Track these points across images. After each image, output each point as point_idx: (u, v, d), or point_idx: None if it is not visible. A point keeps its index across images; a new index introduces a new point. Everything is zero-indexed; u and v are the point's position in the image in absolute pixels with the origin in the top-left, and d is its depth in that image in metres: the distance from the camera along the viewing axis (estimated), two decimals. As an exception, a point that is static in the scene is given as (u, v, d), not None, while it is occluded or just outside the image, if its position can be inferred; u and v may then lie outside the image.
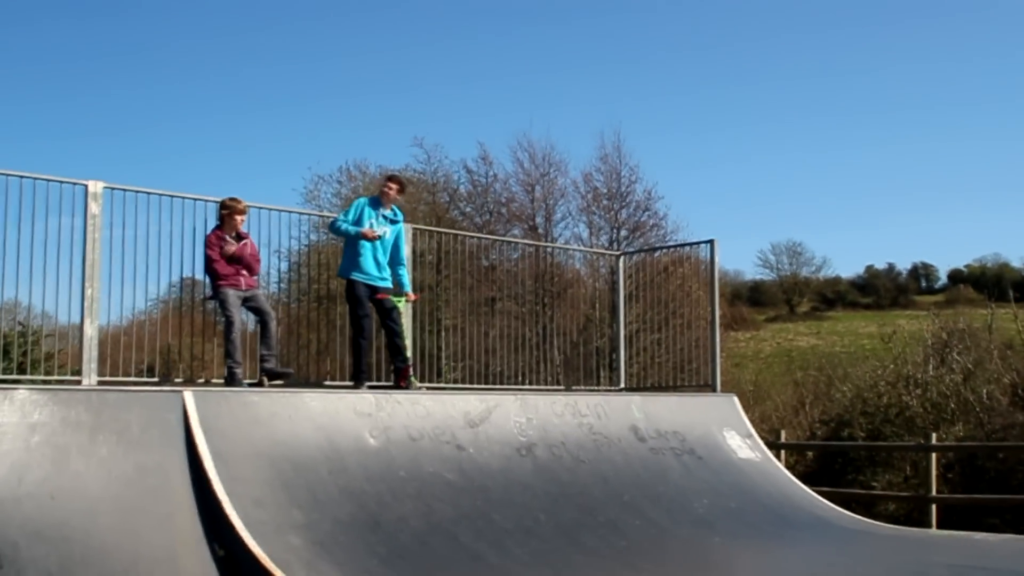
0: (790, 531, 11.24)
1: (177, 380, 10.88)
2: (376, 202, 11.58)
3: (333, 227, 11.61)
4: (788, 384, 35.57)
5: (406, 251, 12.32)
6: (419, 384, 11.83)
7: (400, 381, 11.47)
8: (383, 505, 8.89)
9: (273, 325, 10.81)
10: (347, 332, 12.30)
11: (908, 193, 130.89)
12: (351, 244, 11.40)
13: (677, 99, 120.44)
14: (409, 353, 11.84)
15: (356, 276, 11.32)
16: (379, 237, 11.38)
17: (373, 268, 11.38)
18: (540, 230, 33.07)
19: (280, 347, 11.54)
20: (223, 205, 10.72)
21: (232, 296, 10.50)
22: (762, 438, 13.84)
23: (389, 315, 11.48)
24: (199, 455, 8.29)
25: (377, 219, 11.43)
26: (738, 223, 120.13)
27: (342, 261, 11.56)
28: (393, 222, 11.64)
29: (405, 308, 12.15)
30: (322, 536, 8.17)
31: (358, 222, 11.35)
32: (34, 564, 6.95)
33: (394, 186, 11.77)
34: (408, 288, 11.86)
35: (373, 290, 11.36)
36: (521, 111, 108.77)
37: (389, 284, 11.54)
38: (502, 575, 8.43)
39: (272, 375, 10.71)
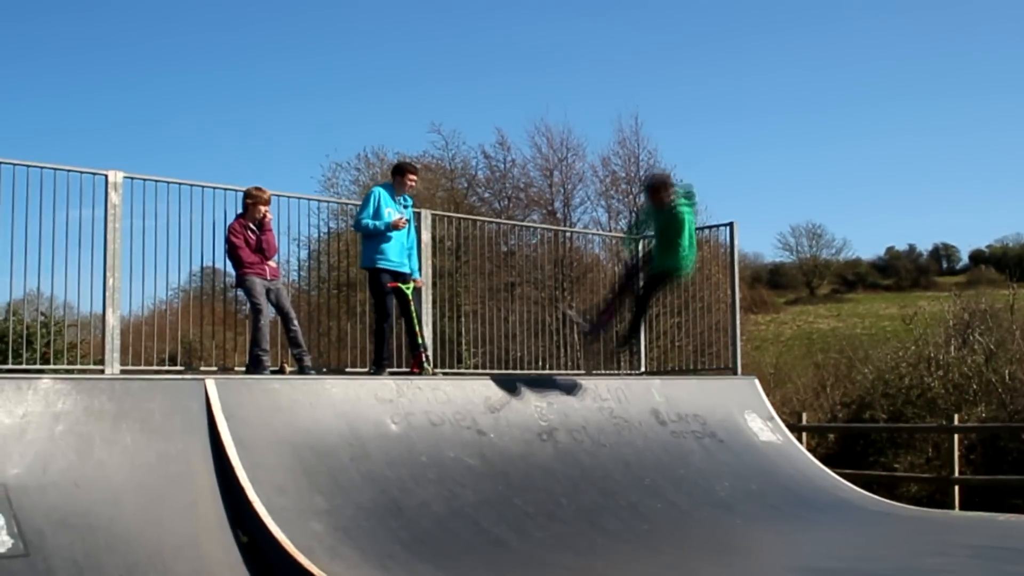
0: (812, 513, 11.23)
1: (200, 369, 10.93)
2: (392, 190, 11.55)
3: (359, 226, 11.40)
4: (809, 366, 35.43)
5: (425, 236, 12.33)
6: (434, 371, 11.83)
7: (413, 367, 11.48)
8: (405, 491, 8.92)
9: (294, 325, 10.81)
10: (367, 319, 12.33)
11: (929, 174, 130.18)
12: (375, 234, 11.35)
13: (695, 84, 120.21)
14: (426, 340, 11.84)
15: (382, 264, 11.28)
16: (408, 222, 11.37)
17: (397, 255, 11.36)
18: (559, 215, 33.04)
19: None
20: (247, 194, 10.75)
21: (258, 284, 10.53)
22: (783, 420, 13.82)
23: (404, 302, 11.49)
24: (222, 442, 8.33)
25: (395, 208, 11.41)
26: (758, 206, 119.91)
27: (364, 251, 11.50)
28: (405, 208, 11.59)
29: (424, 295, 12.15)
30: (344, 522, 8.21)
31: (378, 213, 11.29)
32: (59, 552, 7.01)
33: (415, 178, 11.74)
34: (417, 274, 11.79)
35: (396, 276, 11.36)
36: (538, 96, 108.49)
37: (408, 270, 11.53)
38: (524, 559, 8.46)
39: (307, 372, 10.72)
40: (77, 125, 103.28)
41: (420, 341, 11.56)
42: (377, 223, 11.22)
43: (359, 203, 12.09)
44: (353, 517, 8.32)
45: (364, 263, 11.51)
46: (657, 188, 11.56)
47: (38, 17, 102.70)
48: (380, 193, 11.41)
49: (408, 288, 11.47)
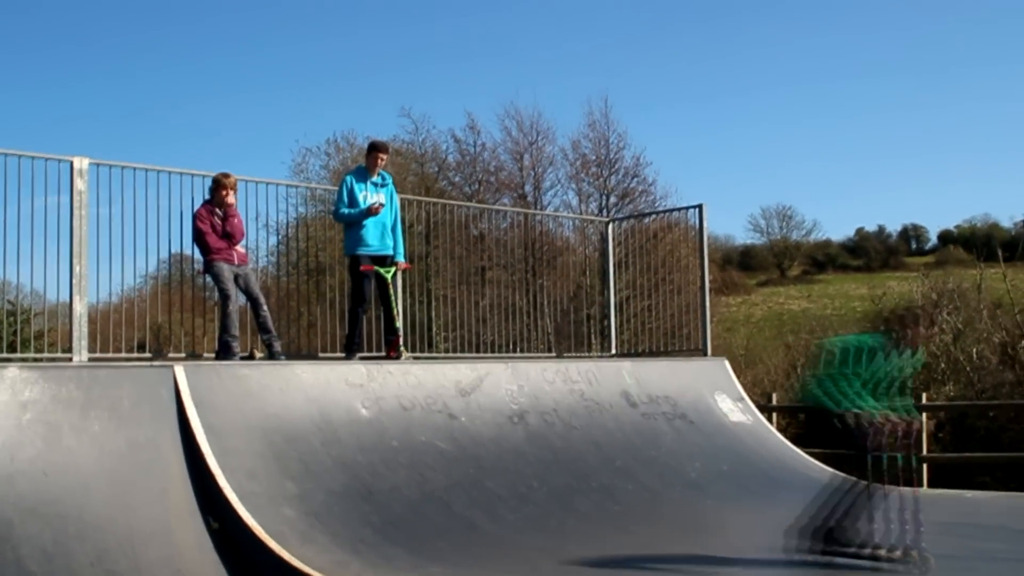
0: (782, 492, 11.28)
1: (169, 355, 10.88)
2: (362, 174, 11.51)
3: (338, 217, 11.50)
4: (779, 347, 35.59)
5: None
6: (408, 355, 11.83)
7: (390, 352, 11.47)
8: (376, 475, 8.93)
9: (264, 310, 10.78)
10: (337, 305, 12.31)
11: (897, 155, 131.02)
12: (354, 222, 11.36)
13: (664, 67, 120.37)
14: (399, 324, 11.82)
15: (361, 250, 11.31)
16: (383, 206, 11.36)
17: (376, 239, 11.39)
18: (529, 198, 33.10)
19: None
20: (214, 180, 10.69)
21: (226, 270, 10.48)
22: (754, 401, 13.91)
23: (383, 286, 11.47)
24: (191, 429, 8.30)
25: (368, 190, 11.40)
26: (728, 188, 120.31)
27: (346, 239, 11.52)
28: (383, 186, 11.58)
29: (398, 278, 12.12)
30: (316, 507, 8.20)
31: (353, 201, 11.30)
32: (28, 541, 6.97)
33: (385, 156, 11.71)
34: (401, 257, 11.76)
35: (376, 260, 11.37)
36: (508, 80, 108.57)
37: (391, 251, 11.53)
38: (496, 542, 8.48)
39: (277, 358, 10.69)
40: (43, 113, 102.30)
41: (396, 326, 11.55)
42: (353, 211, 11.25)
43: (329, 188, 12.07)
44: (324, 502, 8.31)
45: (346, 250, 11.56)
46: (911, 322, 8.44)
47: (4, 5, 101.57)
48: (350, 181, 11.42)
49: (388, 272, 11.46)
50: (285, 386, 9.34)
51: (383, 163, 11.57)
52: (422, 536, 8.28)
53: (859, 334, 8.67)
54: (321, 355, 12.07)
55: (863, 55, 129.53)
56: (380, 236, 11.42)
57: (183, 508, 7.86)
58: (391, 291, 11.53)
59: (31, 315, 13.48)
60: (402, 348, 11.61)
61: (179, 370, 8.71)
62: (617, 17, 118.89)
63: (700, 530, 9.67)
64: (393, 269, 11.56)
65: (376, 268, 11.34)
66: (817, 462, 12.78)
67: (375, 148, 11.76)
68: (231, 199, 10.68)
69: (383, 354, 11.61)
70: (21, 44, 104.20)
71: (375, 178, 11.51)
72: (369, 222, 11.29)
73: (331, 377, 9.78)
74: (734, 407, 12.98)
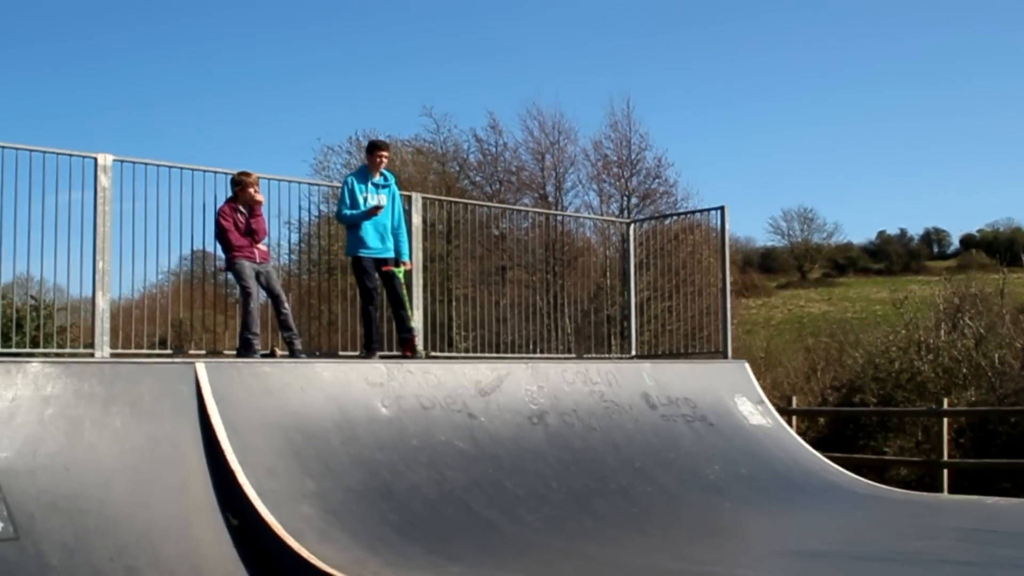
0: (801, 496, 11.27)
1: (190, 352, 10.92)
2: (364, 174, 11.52)
3: (340, 218, 11.52)
4: (800, 350, 35.50)
5: (416, 220, 12.32)
6: (427, 353, 11.84)
7: (405, 351, 11.49)
8: (395, 474, 8.93)
9: (285, 308, 10.82)
10: (357, 303, 12.34)
11: (920, 159, 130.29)
12: (355, 223, 11.37)
13: (687, 68, 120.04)
14: (415, 323, 11.83)
15: (362, 252, 11.33)
16: (382, 208, 11.36)
17: (376, 241, 11.39)
18: (550, 199, 33.02)
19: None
20: (234, 180, 10.73)
21: (248, 268, 10.53)
22: (773, 404, 13.85)
23: (391, 286, 11.49)
24: (212, 426, 8.33)
25: (370, 191, 11.41)
26: (749, 190, 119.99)
27: (347, 241, 11.55)
28: (385, 187, 11.56)
29: (415, 279, 12.15)
30: (335, 505, 8.21)
31: (354, 202, 11.32)
32: (49, 535, 7.01)
33: (386, 155, 11.70)
34: (405, 256, 11.74)
35: (379, 262, 11.39)
36: (530, 80, 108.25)
37: (392, 253, 11.54)
38: (515, 542, 8.48)
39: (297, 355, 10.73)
40: (67, 109, 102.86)
41: (409, 325, 11.57)
42: (355, 212, 11.29)
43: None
44: (343, 500, 8.32)
45: (347, 251, 11.60)
46: None
47: (28, 2, 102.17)
48: (351, 182, 11.46)
49: (399, 271, 11.48)
50: (306, 384, 9.35)
51: (385, 162, 11.57)
52: (440, 535, 8.28)
53: None
54: (341, 353, 12.09)
55: (887, 59, 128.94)
56: (380, 238, 11.43)
57: (203, 504, 7.89)
58: (402, 291, 11.54)
59: (54, 310, 13.52)
60: (418, 347, 11.62)
61: (200, 367, 8.74)
62: (640, 18, 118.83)
63: (718, 533, 9.65)
64: (403, 269, 11.57)
65: (391, 268, 11.38)
66: (836, 466, 12.75)
67: (376, 147, 11.76)
68: (259, 196, 10.73)
69: (399, 353, 11.62)
70: (49, 37, 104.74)
71: (377, 178, 11.49)
72: (367, 224, 11.31)
73: (351, 375, 9.79)
74: (754, 410, 12.94)
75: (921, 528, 9.94)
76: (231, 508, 7.89)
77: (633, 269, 15.66)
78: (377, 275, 11.37)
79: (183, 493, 7.89)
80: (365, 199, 11.31)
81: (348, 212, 11.33)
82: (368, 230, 11.32)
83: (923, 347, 25.55)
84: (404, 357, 11.30)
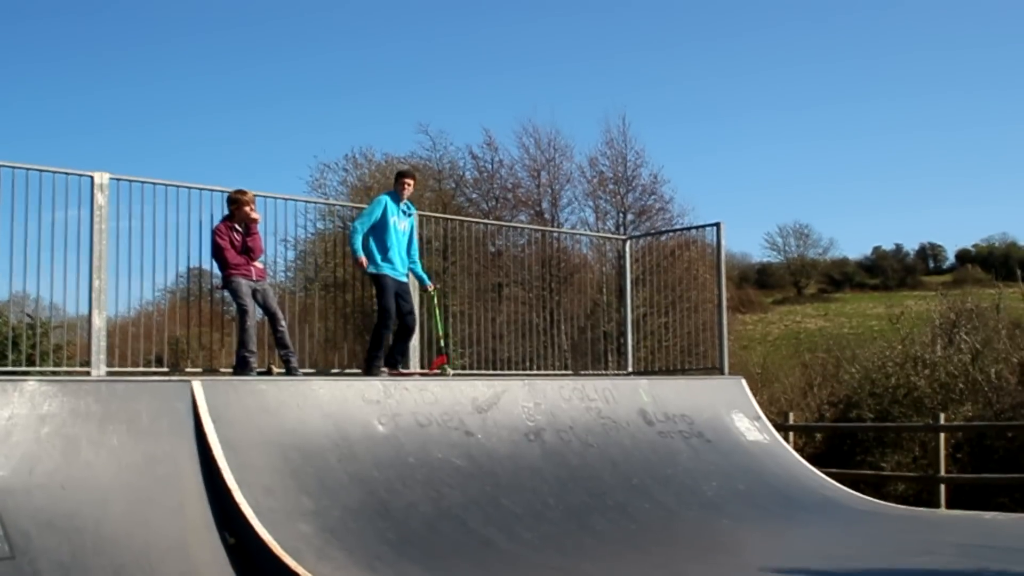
0: (799, 512, 11.26)
1: (186, 370, 10.91)
2: (396, 197, 11.73)
3: (355, 229, 11.65)
4: (796, 366, 35.43)
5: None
6: (452, 372, 12.14)
7: (433, 366, 11.98)
8: (392, 491, 8.92)
9: (282, 326, 10.83)
10: (354, 320, 12.37)
11: (915, 174, 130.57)
12: (378, 239, 11.53)
13: (682, 84, 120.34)
14: (443, 343, 12.17)
15: (386, 270, 11.51)
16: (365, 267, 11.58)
17: (400, 265, 11.71)
18: (546, 215, 33.09)
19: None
20: (231, 199, 10.75)
21: (244, 286, 10.54)
22: (770, 420, 13.85)
23: (408, 314, 11.78)
24: (208, 444, 8.32)
25: (399, 215, 11.64)
26: (745, 206, 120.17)
27: (373, 256, 11.63)
28: (408, 215, 11.84)
29: (413, 295, 12.21)
30: (332, 523, 8.20)
31: (383, 218, 11.51)
32: (46, 554, 6.98)
33: (411, 183, 11.93)
34: (427, 280, 12.18)
35: (399, 284, 11.61)
36: (526, 97, 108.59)
37: (406, 279, 11.82)
38: (512, 559, 8.46)
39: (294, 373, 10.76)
40: (63, 127, 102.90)
41: (443, 344, 11.82)
42: (359, 241, 11.48)
43: (346, 204, 12.15)
44: (340, 518, 8.31)
45: (370, 269, 11.63)
46: None
47: (25, 21, 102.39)
48: (386, 200, 11.70)
49: (435, 293, 12.12)
50: (302, 402, 9.35)
51: (410, 190, 11.79)
52: (438, 553, 8.27)
53: None
54: (334, 371, 12.09)
55: (883, 74, 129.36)
56: (401, 263, 11.72)
57: (200, 523, 7.87)
58: (439, 311, 12.11)
59: (50, 328, 13.50)
60: (447, 367, 12.01)
61: (197, 385, 8.74)
62: (635, 34, 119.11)
63: (716, 549, 9.63)
64: (435, 289, 12.19)
65: (429, 290, 12.05)
66: (834, 482, 12.74)
67: (402, 175, 12.09)
68: (256, 214, 10.76)
69: (423, 370, 11.89)
70: (46, 57, 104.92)
71: (402, 205, 11.74)
72: (394, 245, 11.56)
73: (348, 393, 9.79)
74: (751, 426, 12.94)
75: (919, 543, 9.93)
76: (228, 527, 7.88)
77: (629, 286, 15.68)
78: (394, 297, 11.51)
79: (180, 512, 7.88)
80: (395, 222, 11.57)
81: (361, 232, 11.50)
82: (394, 249, 11.58)
83: (919, 362, 25.51)
84: (431, 373, 11.69)
